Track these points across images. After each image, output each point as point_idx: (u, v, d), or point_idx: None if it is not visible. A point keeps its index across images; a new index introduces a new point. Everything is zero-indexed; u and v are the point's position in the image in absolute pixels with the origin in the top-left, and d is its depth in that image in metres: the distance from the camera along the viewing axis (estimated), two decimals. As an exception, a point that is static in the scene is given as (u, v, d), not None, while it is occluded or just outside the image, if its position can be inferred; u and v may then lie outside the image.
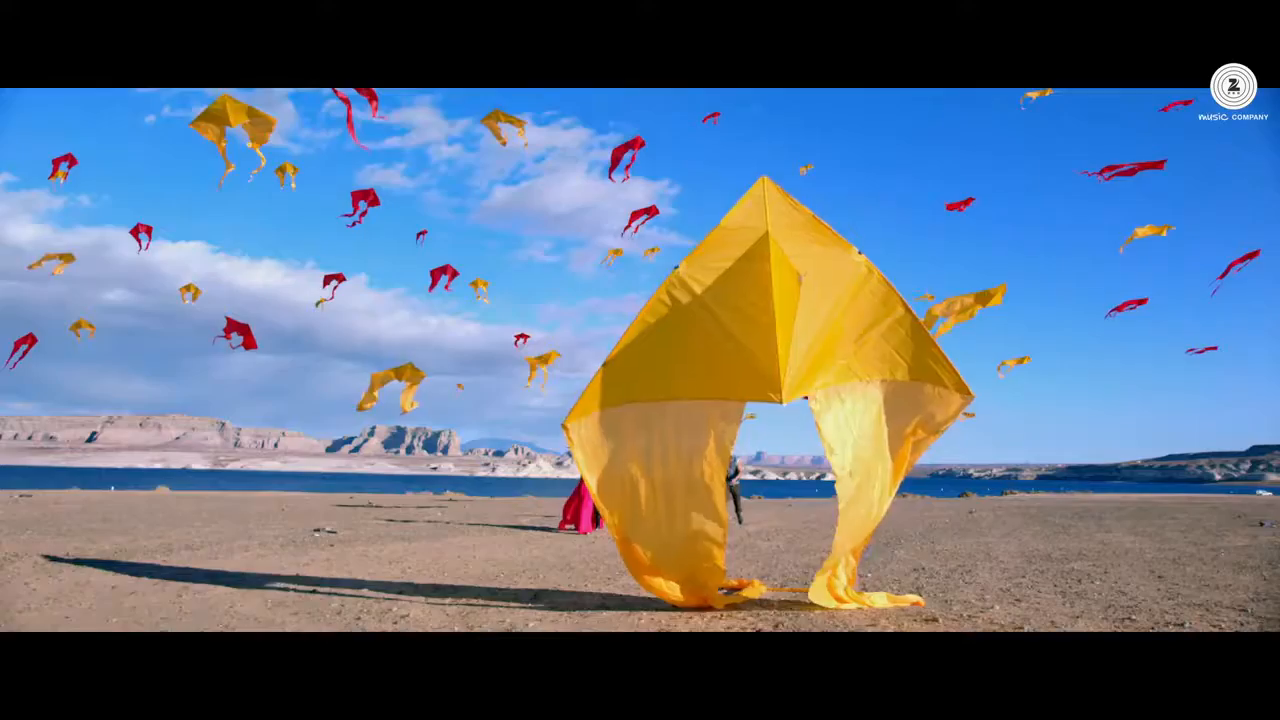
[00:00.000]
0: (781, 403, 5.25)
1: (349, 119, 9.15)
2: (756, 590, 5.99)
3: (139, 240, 15.11)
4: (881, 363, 5.50)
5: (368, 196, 14.03)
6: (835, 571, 5.59)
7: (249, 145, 7.92)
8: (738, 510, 13.38)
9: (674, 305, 5.38)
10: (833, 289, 5.41)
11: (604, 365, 5.50)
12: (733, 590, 6.01)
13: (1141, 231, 13.22)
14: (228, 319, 13.58)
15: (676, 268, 5.41)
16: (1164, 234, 13.21)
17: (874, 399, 5.54)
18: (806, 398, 5.63)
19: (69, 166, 13.93)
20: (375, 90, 9.30)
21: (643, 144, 13.46)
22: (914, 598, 5.78)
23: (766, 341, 5.20)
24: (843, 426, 5.58)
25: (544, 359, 17.00)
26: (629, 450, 5.49)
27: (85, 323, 16.80)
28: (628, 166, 13.45)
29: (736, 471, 13.43)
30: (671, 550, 5.52)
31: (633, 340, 5.44)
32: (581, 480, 11.55)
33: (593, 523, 11.43)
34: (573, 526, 11.66)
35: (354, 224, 13.93)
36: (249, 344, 13.67)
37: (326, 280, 17.59)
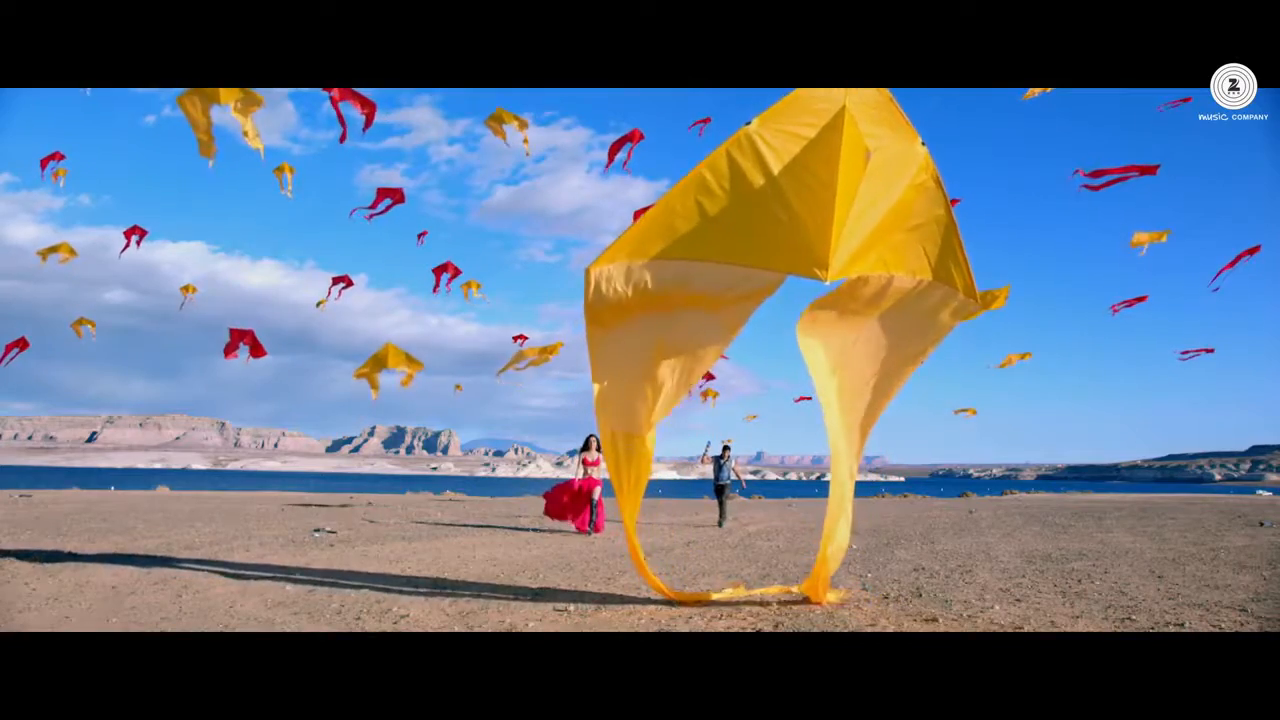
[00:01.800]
0: (825, 280, 5.09)
1: (340, 121, 9.18)
2: (710, 596, 5.87)
3: (129, 240, 15.11)
4: (913, 260, 5.45)
5: (394, 194, 14.00)
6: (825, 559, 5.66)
7: (247, 140, 7.86)
8: (722, 509, 13.09)
9: (734, 164, 5.09)
10: (894, 176, 5.29)
11: (646, 213, 5.24)
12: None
13: (1141, 238, 13.17)
14: (231, 331, 13.51)
15: (748, 124, 5.12)
16: (1164, 239, 13.18)
17: (889, 296, 5.53)
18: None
19: (58, 164, 13.94)
20: (374, 102, 9.34)
21: (641, 137, 13.46)
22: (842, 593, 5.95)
23: (823, 215, 4.99)
24: (829, 356, 5.66)
25: (549, 349, 16.85)
26: (646, 306, 5.32)
27: (86, 320, 16.80)
28: (626, 159, 13.44)
29: (730, 475, 13.15)
30: (632, 421, 5.53)
31: (685, 192, 5.16)
32: (580, 483, 11.42)
33: (588, 524, 11.28)
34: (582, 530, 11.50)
35: (370, 216, 13.92)
36: (257, 353, 13.61)
37: (334, 283, 17.60)
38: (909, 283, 5.49)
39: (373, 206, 13.84)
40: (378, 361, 12.63)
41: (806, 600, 5.69)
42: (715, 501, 13.37)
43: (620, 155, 13.43)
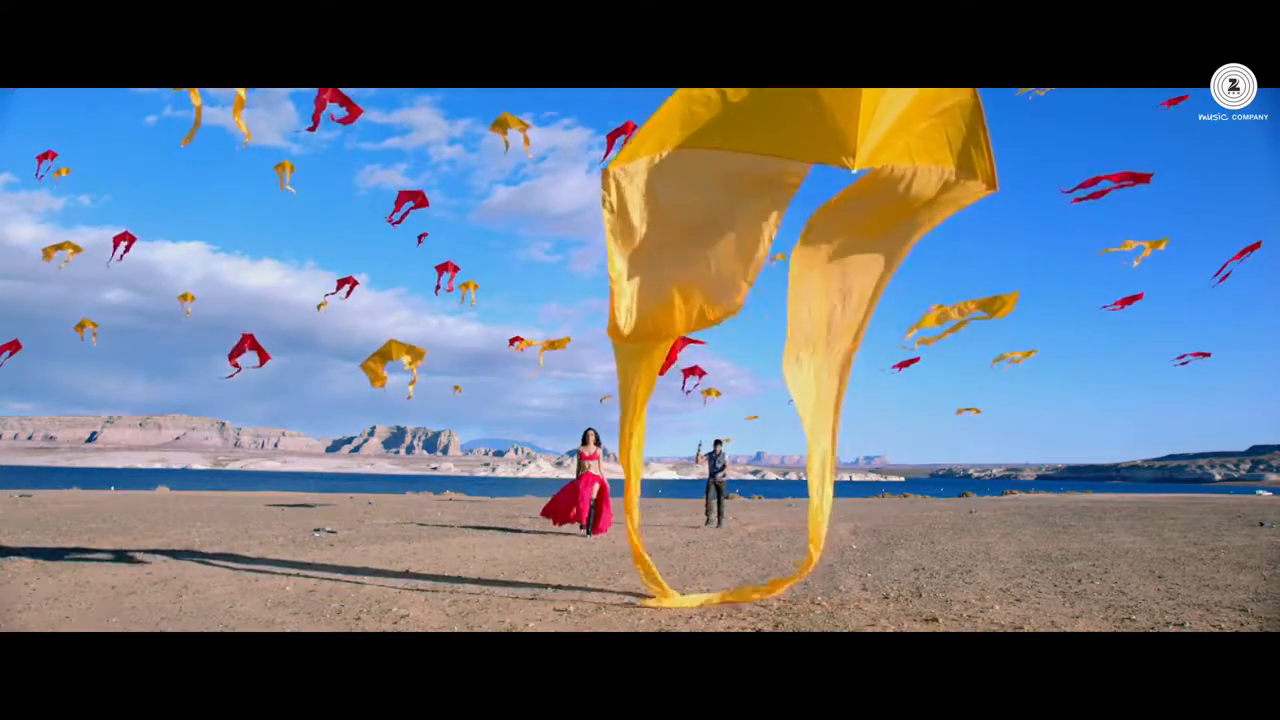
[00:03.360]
0: (852, 168, 4.93)
1: (315, 114, 9.26)
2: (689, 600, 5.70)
3: (117, 246, 15.10)
4: (937, 148, 5.22)
5: (416, 197, 13.98)
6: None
7: (242, 143, 7.99)
8: (720, 511, 12.89)
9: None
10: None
11: (663, 104, 5.07)
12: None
13: (1134, 246, 13.07)
14: (242, 337, 13.46)
15: None
16: (1162, 247, 13.09)
17: (909, 189, 5.28)
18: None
19: (51, 162, 13.99)
20: (360, 107, 9.43)
21: (635, 128, 13.47)
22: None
23: (850, 102, 4.83)
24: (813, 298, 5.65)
25: (557, 343, 16.78)
26: (669, 198, 5.15)
27: (89, 322, 16.83)
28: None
29: (723, 467, 12.95)
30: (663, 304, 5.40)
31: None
32: (579, 478, 11.32)
33: (588, 521, 11.11)
34: (580, 526, 11.17)
35: (397, 222, 13.94)
36: (264, 359, 13.60)
37: (340, 284, 17.64)
38: (933, 174, 5.22)
39: (395, 210, 13.85)
40: (381, 355, 12.67)
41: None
42: (724, 499, 13.14)
43: (616, 146, 13.42)
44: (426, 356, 13.45)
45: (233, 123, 8.08)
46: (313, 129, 10.08)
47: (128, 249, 15.40)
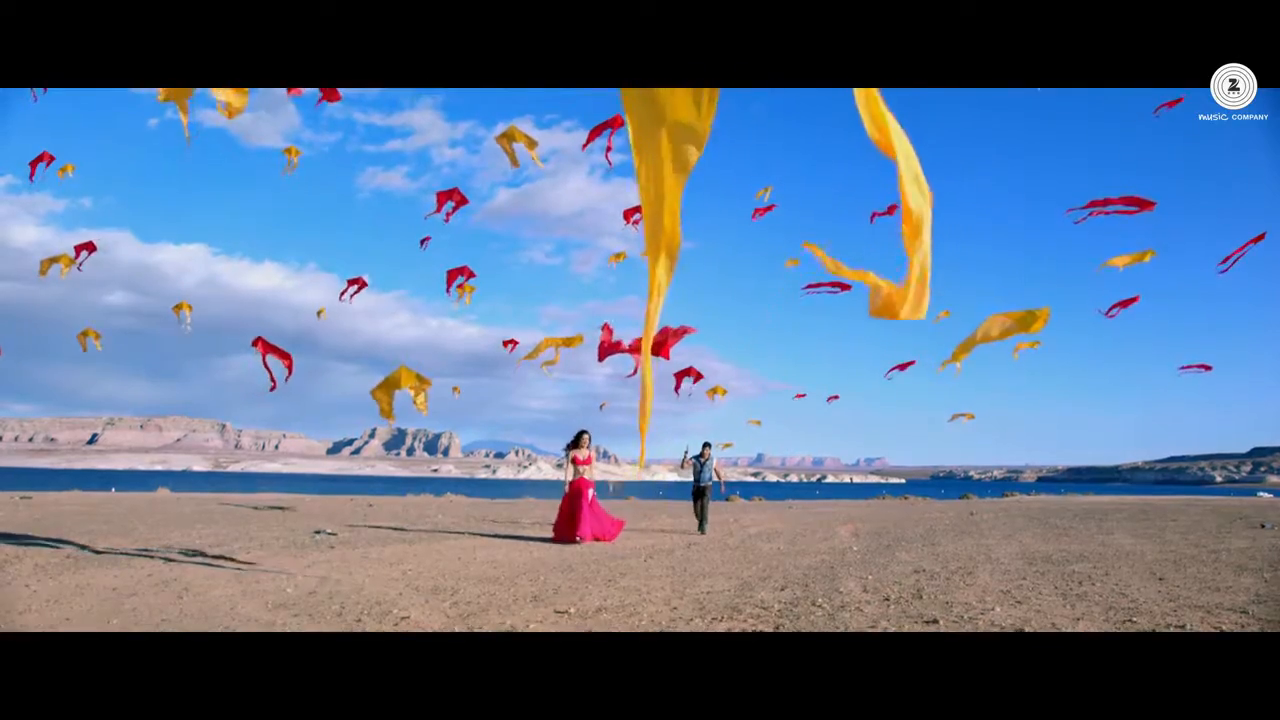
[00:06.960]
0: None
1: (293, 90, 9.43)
2: None
3: (79, 254, 15.04)
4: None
5: (453, 195, 13.93)
6: None
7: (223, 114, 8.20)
8: (703, 517, 12.30)
9: None
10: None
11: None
12: None
13: (1123, 260, 12.92)
14: (262, 351, 13.27)
15: None
16: (1147, 260, 12.96)
17: None
18: None
19: (47, 166, 13.97)
20: (339, 92, 9.54)
21: (622, 123, 13.34)
22: None
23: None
24: None
25: (570, 340, 16.65)
26: None
27: (92, 332, 16.87)
28: (609, 148, 13.25)
29: (710, 473, 12.61)
30: None
31: None
32: (571, 485, 11.13)
33: (588, 531, 10.92)
34: (587, 538, 10.73)
35: (447, 218, 13.93)
36: (288, 364, 13.52)
37: (348, 285, 17.67)
38: None
39: (437, 209, 13.81)
40: (391, 383, 12.56)
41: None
42: (707, 504, 12.80)
43: (602, 142, 13.19)
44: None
45: (232, 123, 8.17)
46: (297, 93, 10.20)
47: (88, 256, 15.48)
